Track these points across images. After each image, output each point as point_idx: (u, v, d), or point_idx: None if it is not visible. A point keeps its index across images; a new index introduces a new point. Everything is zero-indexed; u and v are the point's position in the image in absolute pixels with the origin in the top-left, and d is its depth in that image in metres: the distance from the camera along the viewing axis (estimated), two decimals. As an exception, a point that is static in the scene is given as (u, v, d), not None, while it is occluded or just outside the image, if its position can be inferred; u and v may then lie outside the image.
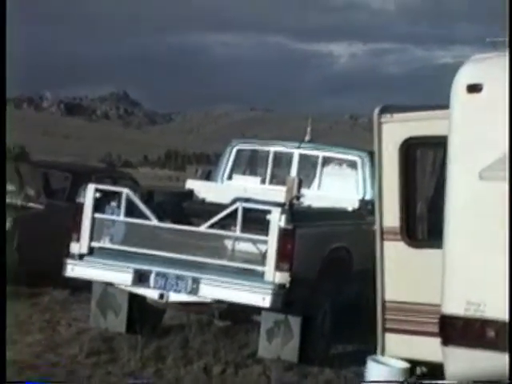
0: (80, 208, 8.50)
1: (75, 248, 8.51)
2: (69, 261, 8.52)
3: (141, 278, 8.22)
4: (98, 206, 8.49)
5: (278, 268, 7.75)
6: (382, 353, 7.17)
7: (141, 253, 8.28)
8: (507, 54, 6.01)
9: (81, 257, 8.50)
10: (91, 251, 8.49)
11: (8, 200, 10.79)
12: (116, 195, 8.53)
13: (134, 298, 8.65)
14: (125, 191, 8.44)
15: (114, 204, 8.47)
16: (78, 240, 8.49)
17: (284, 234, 7.74)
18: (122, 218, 8.41)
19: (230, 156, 10.33)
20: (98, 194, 8.47)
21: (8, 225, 10.51)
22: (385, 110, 7.15)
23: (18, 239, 10.64)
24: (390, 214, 7.11)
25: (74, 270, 8.50)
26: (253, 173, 10.34)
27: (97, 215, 8.47)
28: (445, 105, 6.33)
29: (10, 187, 10.97)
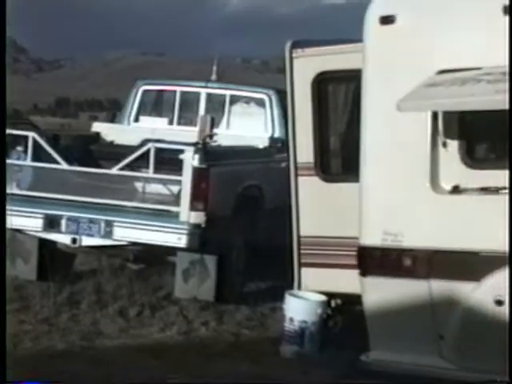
0: None
1: None
2: (-27, 208, 8.25)
3: (52, 223, 8.07)
4: None
5: (192, 208, 7.72)
6: (299, 287, 7.25)
7: (51, 198, 8.11)
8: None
9: (-13, 204, 8.25)
10: None
11: None
12: (21, 139, 8.28)
13: (43, 245, 8.49)
14: (31, 135, 8.21)
15: (19, 148, 8.24)
16: None
17: (198, 174, 7.70)
18: (29, 162, 8.19)
19: (135, 97, 10.15)
20: None
21: None
22: (296, 44, 7.11)
23: None
24: (304, 150, 7.12)
25: None
26: (160, 114, 10.22)
27: (2, 160, 8.21)
28: (356, 39, 6.33)
29: None
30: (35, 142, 8.17)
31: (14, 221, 8.20)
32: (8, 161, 8.23)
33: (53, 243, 8.35)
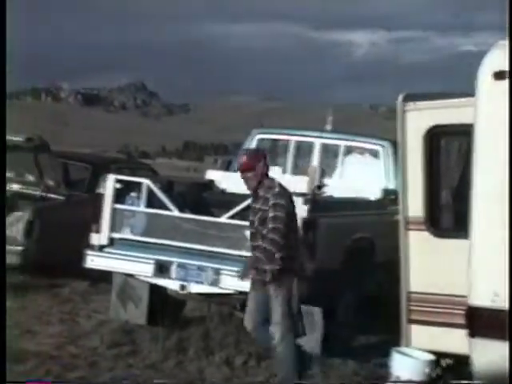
0: (100, 199, 8.45)
1: (95, 239, 8.47)
2: (89, 252, 8.48)
3: (162, 268, 8.16)
4: (119, 196, 8.44)
5: None
6: (407, 344, 7.07)
7: (162, 244, 8.23)
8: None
9: (101, 248, 8.46)
10: (111, 242, 8.46)
11: (27, 190, 10.79)
12: (136, 186, 8.48)
13: (154, 290, 8.59)
14: (145, 182, 8.38)
15: (134, 194, 8.42)
16: (98, 231, 8.45)
17: (306, 225, 7.64)
18: (142, 208, 8.36)
19: (250, 145, 10.23)
20: (118, 185, 8.43)
21: (28, 215, 10.50)
22: (408, 97, 7.03)
23: (38, 230, 10.61)
24: (415, 204, 7.00)
25: (94, 261, 8.47)
26: (274, 163, 10.22)
27: (117, 206, 8.42)
28: (469, 92, 6.21)
29: (29, 178, 10.96)
30: (149, 188, 8.33)
31: (126, 265, 8.38)
32: (122, 206, 8.47)
33: (163, 289, 8.44)
